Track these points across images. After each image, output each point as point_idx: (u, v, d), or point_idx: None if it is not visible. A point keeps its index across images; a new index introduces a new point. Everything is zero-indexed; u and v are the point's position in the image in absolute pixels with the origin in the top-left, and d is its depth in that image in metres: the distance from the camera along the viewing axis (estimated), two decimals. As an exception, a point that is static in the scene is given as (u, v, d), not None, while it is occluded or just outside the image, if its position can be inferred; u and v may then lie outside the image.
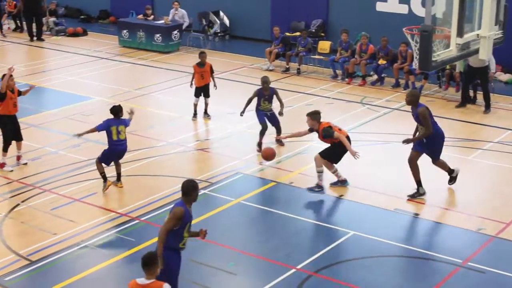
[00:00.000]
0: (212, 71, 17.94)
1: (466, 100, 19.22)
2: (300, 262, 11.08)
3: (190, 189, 9.05)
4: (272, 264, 11.14)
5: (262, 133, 15.78)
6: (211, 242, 11.69)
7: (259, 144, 15.67)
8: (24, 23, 28.22)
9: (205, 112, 18.10)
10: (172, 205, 9.20)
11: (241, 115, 16.06)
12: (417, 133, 13.49)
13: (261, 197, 13.67)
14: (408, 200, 13.27)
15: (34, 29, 27.20)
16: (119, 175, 13.90)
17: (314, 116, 13.63)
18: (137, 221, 12.52)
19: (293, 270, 10.87)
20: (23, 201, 13.26)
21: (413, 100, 13.09)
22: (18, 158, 15.02)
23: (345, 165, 14.66)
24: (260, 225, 12.73)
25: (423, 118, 12.92)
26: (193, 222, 12.22)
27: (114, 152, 13.63)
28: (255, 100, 15.88)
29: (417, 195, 13.38)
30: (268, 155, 13.92)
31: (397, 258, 11.40)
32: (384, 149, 16.06)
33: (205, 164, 15.22)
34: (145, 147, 15.99)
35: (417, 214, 12.83)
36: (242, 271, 11.03)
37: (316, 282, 10.65)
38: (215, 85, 17.90)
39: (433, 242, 11.92)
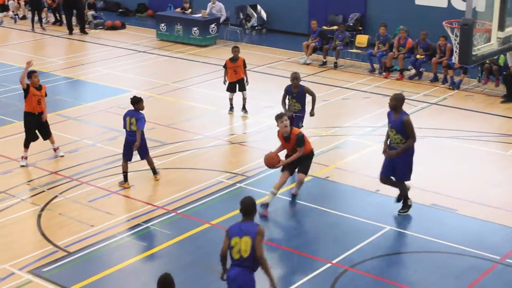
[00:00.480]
0: (245, 66, 17.66)
1: None
2: (336, 257, 11.04)
3: (254, 207, 8.65)
4: (308, 258, 11.12)
5: None
6: (246, 236, 11.71)
7: None
8: (63, 16, 28.45)
9: (243, 108, 17.86)
10: (226, 229, 8.66)
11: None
12: (389, 141, 12.26)
13: (296, 193, 13.62)
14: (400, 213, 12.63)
15: (74, 22, 27.43)
16: (153, 170, 13.96)
17: (284, 117, 12.42)
18: (173, 213, 12.58)
19: (329, 265, 10.84)
20: (61, 193, 13.39)
21: (397, 105, 12.08)
22: (55, 150, 15.14)
23: (381, 159, 14.59)
24: (296, 219, 12.71)
25: (409, 127, 11.90)
26: (228, 215, 12.36)
27: (126, 142, 13.59)
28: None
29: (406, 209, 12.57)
30: (270, 163, 12.49)
31: (433, 254, 11.29)
32: (422, 144, 15.89)
33: (241, 158, 15.23)
34: (181, 140, 16.04)
35: (454, 210, 12.69)
36: (278, 265, 11.02)
37: (352, 276, 10.60)
38: (247, 81, 17.67)
39: (471, 238, 11.78)
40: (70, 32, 27.16)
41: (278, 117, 12.43)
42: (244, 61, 17.66)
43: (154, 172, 13.94)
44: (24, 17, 29.95)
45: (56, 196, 13.26)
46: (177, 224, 12.23)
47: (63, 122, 17.16)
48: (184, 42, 25.41)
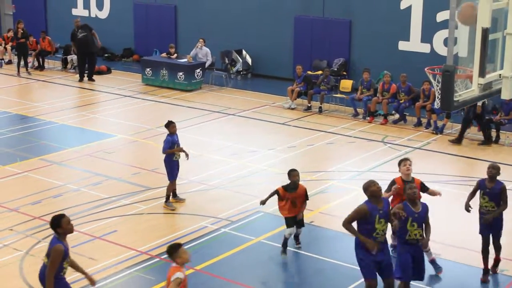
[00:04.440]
0: (306, 197, 12.77)
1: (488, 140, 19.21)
2: (320, 303, 11.00)
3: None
4: (292, 304, 11.07)
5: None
6: (231, 282, 11.69)
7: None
8: (49, 61, 28.43)
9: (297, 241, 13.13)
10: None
11: None
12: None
13: (281, 236, 13.58)
14: None
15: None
16: (167, 196, 14.88)
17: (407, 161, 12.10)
18: (157, 259, 12.51)
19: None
20: (44, 238, 13.29)
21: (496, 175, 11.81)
22: None
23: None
24: (280, 264, 12.65)
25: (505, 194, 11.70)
26: (212, 261, 12.32)
27: None
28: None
29: None
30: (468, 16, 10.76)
31: (418, 299, 11.28)
32: (406, 188, 15.95)
33: (225, 203, 15.20)
34: (166, 185, 15.97)
35: (437, 255, 12.68)
36: (262, 311, 10.96)
37: (336, 323, 10.54)
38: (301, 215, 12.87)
39: (454, 283, 11.77)
40: (81, 79, 26.85)
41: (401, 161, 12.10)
42: (306, 191, 12.76)
43: (167, 199, 14.82)
44: (10, 62, 30.00)
45: (39, 242, 13.17)
46: (160, 269, 12.14)
47: (47, 167, 17.11)
48: (169, 87, 25.51)
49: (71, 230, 9.42)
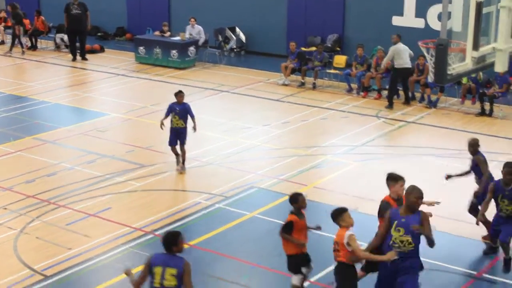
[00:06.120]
0: None
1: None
2: (314, 275, 11.02)
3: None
4: (287, 277, 11.07)
5: None
6: (225, 256, 11.71)
7: None
8: (42, 41, 28.31)
9: None
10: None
11: None
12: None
13: (275, 211, 13.62)
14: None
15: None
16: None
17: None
18: (151, 235, 12.53)
19: (307, 283, 10.81)
20: (38, 217, 13.30)
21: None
22: None
23: (359, 178, 14.64)
24: (275, 239, 12.58)
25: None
26: (206, 236, 12.34)
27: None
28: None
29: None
30: None
31: (412, 271, 11.29)
32: (400, 162, 15.98)
33: (219, 179, 15.20)
34: (160, 162, 16.00)
35: (432, 226, 12.68)
36: (256, 285, 11.01)
37: (330, 295, 10.58)
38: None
39: (448, 254, 11.81)
40: (74, 58, 26.76)
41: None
42: None
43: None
44: (2, 42, 29.84)
45: (33, 220, 13.17)
46: (155, 246, 12.12)
47: (41, 145, 17.08)
48: (163, 65, 25.42)
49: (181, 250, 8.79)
